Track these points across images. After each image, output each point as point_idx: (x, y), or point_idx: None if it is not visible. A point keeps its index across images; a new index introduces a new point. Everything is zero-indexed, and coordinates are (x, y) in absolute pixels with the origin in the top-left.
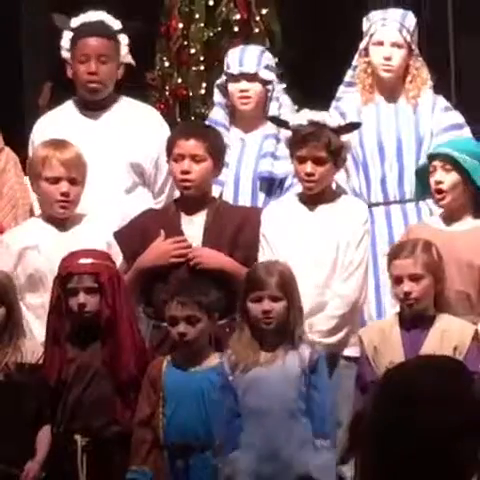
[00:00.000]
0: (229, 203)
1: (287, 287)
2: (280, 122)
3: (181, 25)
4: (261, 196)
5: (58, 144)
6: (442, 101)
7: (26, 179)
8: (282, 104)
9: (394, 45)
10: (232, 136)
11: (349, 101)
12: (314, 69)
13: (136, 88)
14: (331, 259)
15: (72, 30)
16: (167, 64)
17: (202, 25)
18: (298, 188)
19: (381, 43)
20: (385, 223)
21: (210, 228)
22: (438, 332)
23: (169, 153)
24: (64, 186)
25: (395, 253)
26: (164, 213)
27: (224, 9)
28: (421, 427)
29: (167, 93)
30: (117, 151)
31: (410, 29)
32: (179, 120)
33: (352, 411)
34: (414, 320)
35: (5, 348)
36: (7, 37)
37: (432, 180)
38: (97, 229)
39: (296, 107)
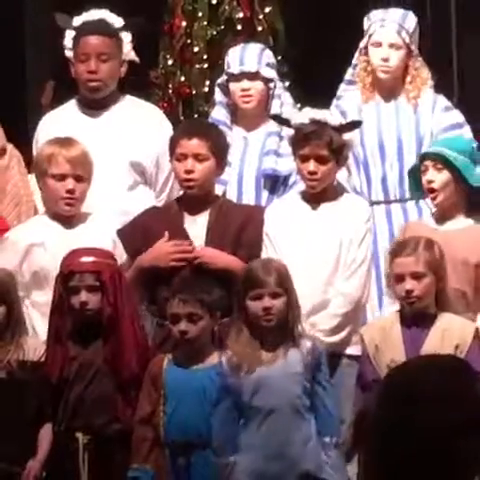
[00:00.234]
0: (232, 201)
1: (285, 283)
2: (282, 120)
3: (184, 23)
4: (265, 194)
5: (64, 141)
6: (442, 101)
7: (30, 177)
8: (284, 102)
9: (392, 46)
10: (234, 135)
11: (350, 99)
12: (317, 67)
13: (139, 86)
14: (334, 257)
15: (74, 29)
16: (170, 62)
17: (205, 23)
18: (302, 186)
19: (379, 44)
20: (386, 222)
21: (213, 227)
22: (439, 331)
23: (172, 152)
24: (70, 183)
25: (397, 251)
26: (167, 212)
27: (227, 7)
28: (424, 426)
29: (170, 91)
30: (118, 150)
31: (409, 30)
32: (182, 118)
33: (354, 409)
34: (415, 318)
35: (7, 346)
36: (10, 36)
37: (424, 179)
38: (103, 227)
39: (298, 105)
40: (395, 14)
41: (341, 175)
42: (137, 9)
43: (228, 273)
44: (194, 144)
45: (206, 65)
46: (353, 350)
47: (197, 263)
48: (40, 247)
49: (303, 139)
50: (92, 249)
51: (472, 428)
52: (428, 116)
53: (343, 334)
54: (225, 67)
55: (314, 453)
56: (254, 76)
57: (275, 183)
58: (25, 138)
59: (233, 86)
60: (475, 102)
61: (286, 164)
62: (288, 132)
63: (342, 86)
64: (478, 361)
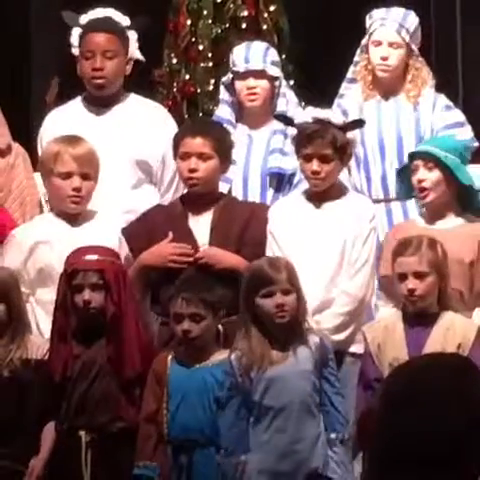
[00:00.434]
0: (237, 199)
1: (294, 280)
2: (286, 120)
3: (189, 22)
4: (270, 192)
5: (71, 140)
6: (443, 100)
7: (36, 175)
8: (289, 100)
9: (392, 45)
10: (239, 133)
11: (351, 98)
12: (321, 66)
13: (143, 85)
14: (337, 256)
15: (81, 27)
16: (175, 61)
17: (210, 22)
18: (306, 184)
19: (379, 43)
20: (386, 220)
21: (217, 226)
22: (441, 330)
23: (175, 151)
24: (76, 181)
25: (399, 250)
26: (171, 210)
27: (232, 6)
28: (426, 427)
29: (175, 90)
30: (124, 148)
31: (410, 29)
32: (187, 117)
33: (356, 408)
34: (418, 317)
35: (8, 345)
36: (16, 33)
37: (414, 179)
38: (108, 225)
39: (303, 104)
40: (396, 13)
41: (341, 174)
42: (142, 7)
43: (232, 272)
44: (198, 143)
45: (211, 63)
46: (357, 348)
47: (201, 263)
48: (46, 245)
49: (306, 138)
50: (96, 247)
51: (477, 428)
52: (428, 115)
53: (347, 332)
54: (230, 65)
55: (323, 450)
56: (260, 74)
57: (280, 182)
58: (28, 136)
59: (238, 84)
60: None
61: (291, 162)
62: (293, 131)
63: (344, 84)
64: None
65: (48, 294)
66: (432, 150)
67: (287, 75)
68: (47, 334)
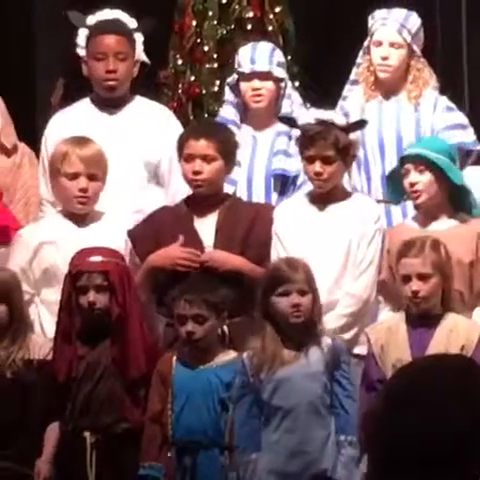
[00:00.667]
0: (241, 199)
1: (311, 281)
2: (289, 121)
3: (194, 23)
4: (274, 194)
5: (79, 140)
6: (444, 101)
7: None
8: (293, 101)
9: (392, 45)
10: (243, 134)
11: (353, 100)
12: (326, 67)
13: (149, 86)
14: (342, 258)
15: (88, 28)
16: (180, 62)
17: (215, 23)
18: (310, 186)
19: (380, 43)
20: (386, 221)
21: (221, 227)
22: (445, 331)
23: (180, 153)
24: (82, 182)
25: (403, 251)
26: (177, 212)
27: (237, 7)
28: (429, 428)
29: (180, 91)
30: (132, 149)
31: (412, 30)
32: (192, 118)
33: (359, 409)
34: (421, 318)
35: (10, 346)
36: (20, 34)
37: (406, 182)
38: (115, 226)
39: (308, 105)
40: (398, 14)
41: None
42: (147, 8)
43: (236, 274)
44: (201, 145)
45: (216, 65)
46: (361, 349)
47: (206, 266)
48: (51, 245)
49: (308, 140)
50: (100, 249)
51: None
52: (429, 115)
53: (351, 334)
54: (235, 66)
55: (332, 452)
56: (265, 76)
57: (284, 183)
58: (34, 137)
59: (244, 85)
60: None
61: (295, 164)
62: (297, 133)
63: (347, 86)
64: None
65: (53, 294)
66: (423, 152)
67: (292, 76)
68: (51, 334)
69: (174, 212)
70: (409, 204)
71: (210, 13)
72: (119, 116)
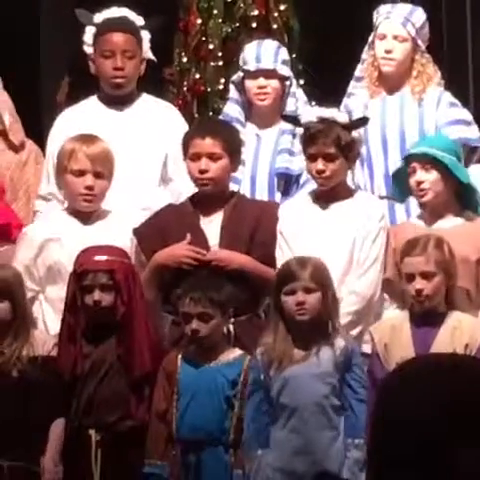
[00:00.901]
0: (246, 197)
1: (320, 279)
2: (292, 120)
3: (199, 21)
4: (278, 193)
5: (86, 138)
6: (448, 96)
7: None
8: (298, 99)
9: (396, 38)
10: (247, 132)
11: (357, 98)
12: (331, 65)
13: (154, 84)
14: (346, 256)
15: (96, 25)
16: (185, 60)
17: (220, 21)
18: (314, 184)
19: (384, 36)
20: (389, 217)
21: (227, 226)
22: (449, 329)
23: (185, 152)
24: (89, 179)
25: (406, 250)
26: (182, 210)
27: (242, 5)
28: (422, 428)
29: (185, 89)
30: (138, 146)
31: (416, 24)
32: (197, 116)
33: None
34: (425, 317)
35: (12, 344)
36: (26, 31)
37: (412, 181)
38: (121, 225)
39: (313, 103)
40: (403, 8)
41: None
42: (152, 6)
43: (242, 272)
44: (208, 144)
45: (221, 62)
46: (366, 348)
47: (211, 265)
48: (56, 242)
49: (310, 138)
50: (105, 247)
51: (473, 433)
52: (432, 111)
53: (355, 332)
54: (240, 63)
55: (339, 453)
56: (270, 74)
57: (288, 182)
58: (40, 134)
59: (249, 83)
60: None
61: (299, 163)
62: (301, 131)
63: (352, 83)
64: None
65: (57, 292)
66: (429, 151)
67: (297, 74)
68: (53, 332)
69: (179, 210)
70: (413, 201)
71: (215, 11)
72: (126, 113)
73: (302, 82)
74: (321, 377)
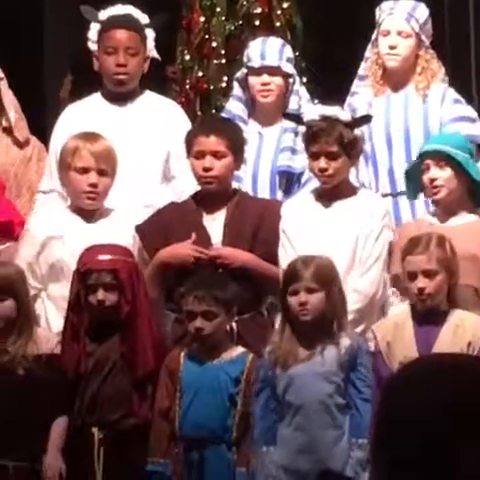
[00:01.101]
0: (249, 195)
1: (324, 278)
2: (294, 118)
3: (202, 18)
4: (280, 190)
5: (89, 136)
6: (452, 93)
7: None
8: (301, 97)
9: (400, 34)
10: (250, 130)
11: (361, 96)
12: (334, 63)
13: (157, 81)
14: (349, 254)
15: (100, 22)
16: (188, 57)
17: (223, 18)
18: (316, 183)
19: (388, 32)
20: (393, 214)
21: (230, 224)
22: (451, 327)
23: (189, 150)
24: (92, 177)
25: (409, 249)
26: (185, 208)
27: (245, 3)
28: (422, 429)
29: (188, 86)
30: (141, 143)
31: (420, 20)
32: (199, 114)
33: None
34: (427, 315)
35: (16, 341)
36: (29, 28)
37: (426, 178)
38: (124, 223)
39: (316, 101)
40: (405, 4)
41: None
42: (155, 4)
43: (246, 270)
44: (212, 141)
45: (224, 60)
46: (369, 346)
47: (214, 262)
48: (59, 240)
49: (312, 136)
50: (109, 246)
51: (475, 433)
52: (437, 108)
53: (358, 330)
54: (245, 60)
55: (343, 452)
56: (274, 71)
57: (289, 180)
58: (43, 132)
59: (253, 80)
60: None
61: (301, 161)
62: (303, 129)
63: (355, 82)
64: None
65: (59, 289)
66: (443, 148)
67: (300, 72)
68: (56, 329)
69: (182, 208)
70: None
71: (218, 9)
72: (129, 110)
73: (305, 80)
74: (325, 376)
